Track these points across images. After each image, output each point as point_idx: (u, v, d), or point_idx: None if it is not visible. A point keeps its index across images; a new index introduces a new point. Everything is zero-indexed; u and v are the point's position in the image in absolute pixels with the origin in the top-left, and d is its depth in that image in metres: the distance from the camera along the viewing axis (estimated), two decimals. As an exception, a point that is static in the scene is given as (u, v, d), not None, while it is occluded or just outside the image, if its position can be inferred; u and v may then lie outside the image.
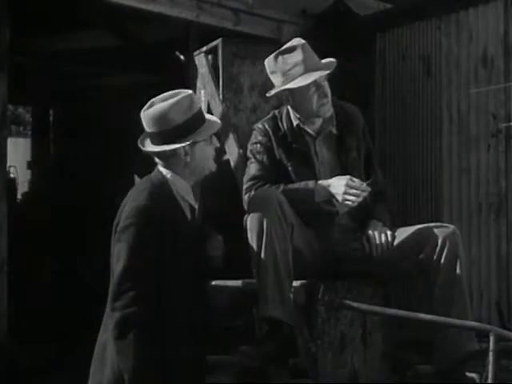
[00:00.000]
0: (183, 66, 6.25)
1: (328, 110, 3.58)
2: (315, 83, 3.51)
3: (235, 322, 4.24)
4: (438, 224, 3.58)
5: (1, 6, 4.97)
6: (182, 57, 6.66)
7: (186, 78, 5.64)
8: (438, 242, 3.38)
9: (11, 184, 9.24)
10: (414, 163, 5.16)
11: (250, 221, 3.30)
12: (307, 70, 3.50)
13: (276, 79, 3.59)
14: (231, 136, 4.11)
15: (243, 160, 3.78)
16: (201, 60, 4.37)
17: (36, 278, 6.99)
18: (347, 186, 3.35)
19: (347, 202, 3.36)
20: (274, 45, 3.83)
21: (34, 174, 10.74)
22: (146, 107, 2.99)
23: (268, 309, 3.25)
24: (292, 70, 3.52)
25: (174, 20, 5.31)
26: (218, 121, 3.11)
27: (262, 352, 3.34)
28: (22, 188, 10.67)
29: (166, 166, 3.01)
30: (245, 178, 3.59)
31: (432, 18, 5.05)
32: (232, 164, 4.04)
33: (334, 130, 3.63)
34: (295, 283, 3.35)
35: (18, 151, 11.29)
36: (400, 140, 5.29)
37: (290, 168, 3.56)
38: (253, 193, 3.48)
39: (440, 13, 5.00)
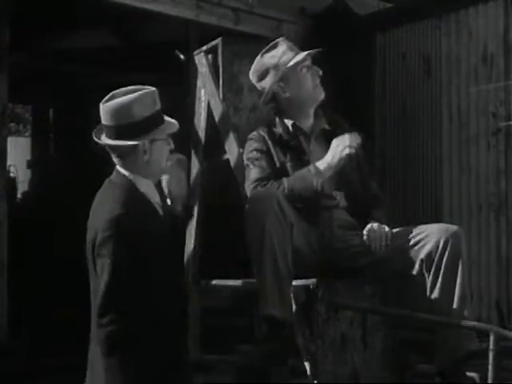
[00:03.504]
0: (183, 65, 6.25)
1: (321, 92, 3.64)
2: (305, 64, 3.60)
3: (235, 321, 4.24)
4: (441, 224, 3.58)
5: (1, 6, 4.97)
6: (181, 56, 6.67)
7: (185, 77, 5.64)
8: (440, 242, 3.38)
9: (11, 183, 9.24)
10: (413, 163, 5.16)
11: (250, 221, 3.31)
12: (296, 53, 3.61)
13: (268, 79, 3.64)
14: (231, 135, 4.09)
15: (243, 160, 3.78)
16: (201, 59, 4.36)
17: (36, 278, 6.98)
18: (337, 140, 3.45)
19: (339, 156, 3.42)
20: (273, 44, 3.82)
21: (33, 174, 10.73)
22: (105, 99, 2.87)
23: (267, 308, 3.25)
24: (281, 58, 3.60)
25: (174, 19, 5.31)
26: (176, 122, 2.99)
27: (262, 352, 3.34)
28: (22, 187, 10.67)
29: (124, 166, 2.91)
30: (246, 183, 3.59)
31: (432, 17, 5.06)
32: (232, 164, 4.02)
33: (327, 127, 3.69)
34: (295, 282, 3.35)
35: (18, 150, 11.26)
36: (400, 140, 5.29)
37: (288, 167, 3.58)
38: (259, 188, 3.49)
39: (440, 12, 5.00)
